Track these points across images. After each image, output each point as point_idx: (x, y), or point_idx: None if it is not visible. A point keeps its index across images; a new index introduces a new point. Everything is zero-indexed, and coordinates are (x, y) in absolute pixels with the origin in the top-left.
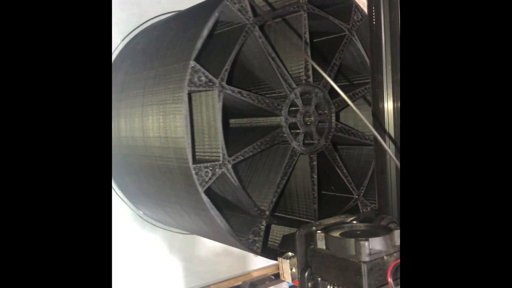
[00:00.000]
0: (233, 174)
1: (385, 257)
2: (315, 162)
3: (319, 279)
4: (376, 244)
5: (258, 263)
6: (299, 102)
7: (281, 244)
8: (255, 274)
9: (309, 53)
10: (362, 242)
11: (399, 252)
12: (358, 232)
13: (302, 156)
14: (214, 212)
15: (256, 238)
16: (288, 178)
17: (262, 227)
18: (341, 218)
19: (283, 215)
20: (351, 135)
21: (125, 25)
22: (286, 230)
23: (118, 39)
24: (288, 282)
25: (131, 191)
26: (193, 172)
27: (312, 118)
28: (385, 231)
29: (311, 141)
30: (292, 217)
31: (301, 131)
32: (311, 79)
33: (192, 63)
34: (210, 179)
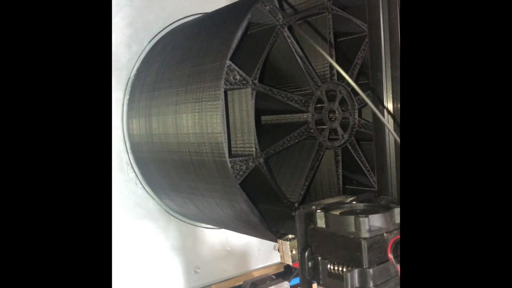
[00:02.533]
0: (265, 167)
1: (385, 234)
2: (339, 157)
3: (319, 258)
4: (375, 221)
5: (260, 262)
6: (324, 99)
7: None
8: (256, 274)
9: (333, 54)
10: (362, 219)
11: (399, 230)
12: (358, 211)
13: (326, 151)
14: (248, 204)
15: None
16: (315, 172)
17: None
18: (340, 198)
19: None
20: (372, 130)
21: (152, 27)
22: None
23: (145, 41)
24: (289, 282)
25: (160, 186)
26: (229, 165)
27: (336, 115)
28: (385, 209)
29: (336, 137)
30: None
31: (326, 126)
32: (335, 77)
33: (228, 62)
34: (244, 172)
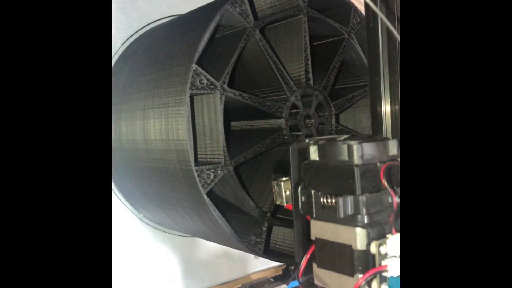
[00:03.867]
0: (234, 176)
1: (378, 164)
2: None
3: (313, 191)
4: (369, 148)
5: (258, 265)
6: (299, 104)
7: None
8: (254, 277)
9: (309, 57)
10: (355, 146)
11: (393, 161)
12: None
13: None
14: (216, 214)
15: (258, 240)
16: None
17: (264, 228)
18: (333, 136)
19: (284, 216)
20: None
21: (126, 29)
22: (287, 232)
23: (119, 43)
24: (287, 285)
25: (132, 194)
26: (195, 174)
27: (312, 120)
28: (379, 139)
29: None
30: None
31: (302, 133)
32: (311, 82)
33: (194, 66)
34: (212, 181)
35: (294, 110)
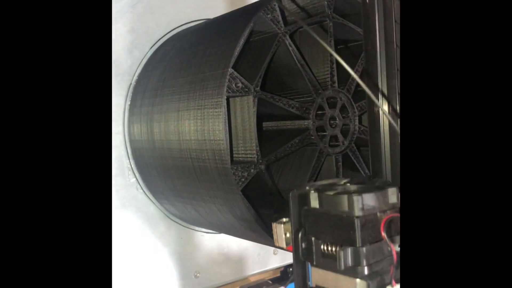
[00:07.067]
0: (266, 174)
1: (378, 214)
2: (340, 163)
3: (313, 238)
4: (369, 199)
5: (260, 267)
6: (325, 106)
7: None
8: (252, 279)
9: (334, 61)
10: (355, 197)
11: (393, 210)
12: (352, 190)
13: (327, 158)
14: (250, 210)
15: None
16: (316, 178)
17: None
18: (334, 180)
19: None
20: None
21: (154, 33)
22: None
23: (147, 47)
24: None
25: (160, 192)
26: (231, 172)
27: (337, 121)
28: (379, 189)
29: (336, 143)
30: None
31: (327, 133)
32: (336, 84)
33: (231, 70)
34: (246, 179)
35: (320, 112)
